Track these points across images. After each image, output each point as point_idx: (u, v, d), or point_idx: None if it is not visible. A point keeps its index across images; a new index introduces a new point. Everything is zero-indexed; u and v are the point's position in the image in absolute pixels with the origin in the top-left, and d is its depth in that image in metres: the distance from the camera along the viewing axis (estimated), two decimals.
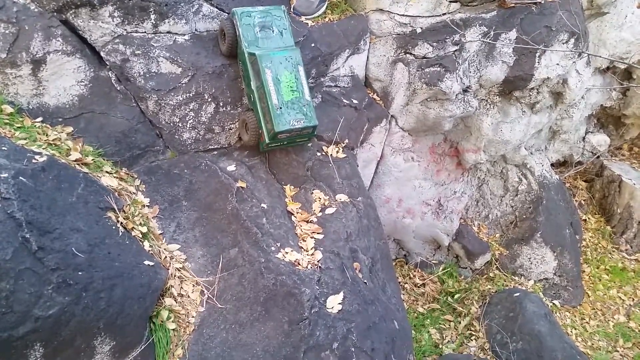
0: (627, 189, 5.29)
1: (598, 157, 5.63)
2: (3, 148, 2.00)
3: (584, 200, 5.72)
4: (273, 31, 2.85)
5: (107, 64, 2.64)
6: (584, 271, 5.09)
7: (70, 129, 2.56)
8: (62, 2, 2.45)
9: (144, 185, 2.71)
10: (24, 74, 2.44)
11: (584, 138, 5.55)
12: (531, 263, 4.75)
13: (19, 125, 2.37)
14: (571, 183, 5.78)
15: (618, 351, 4.40)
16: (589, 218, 5.60)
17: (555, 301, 4.74)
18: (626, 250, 5.32)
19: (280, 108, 2.69)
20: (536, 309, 4.14)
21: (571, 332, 4.51)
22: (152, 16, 2.67)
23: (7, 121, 2.34)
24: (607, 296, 4.93)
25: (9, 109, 2.41)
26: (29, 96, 2.50)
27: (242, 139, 2.97)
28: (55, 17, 2.47)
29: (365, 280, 2.72)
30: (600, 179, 5.67)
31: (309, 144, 3.09)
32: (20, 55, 2.40)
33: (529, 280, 4.75)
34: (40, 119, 2.51)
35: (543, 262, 4.74)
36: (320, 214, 2.87)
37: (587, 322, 4.67)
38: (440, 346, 4.13)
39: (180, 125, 2.84)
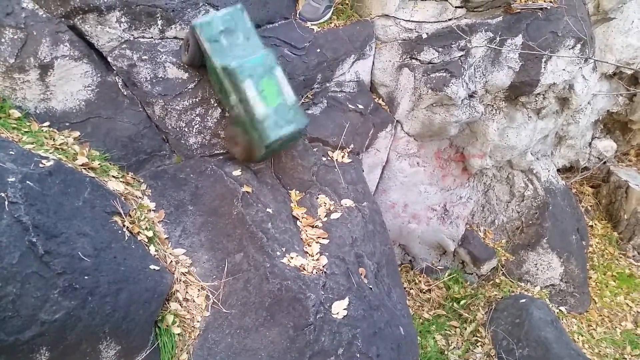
0: (634, 194, 5.26)
1: (604, 162, 5.60)
2: (10, 152, 2.02)
3: (590, 206, 5.69)
4: (239, 37, 2.65)
5: (114, 69, 2.66)
6: (591, 277, 5.06)
7: (77, 134, 2.58)
8: (69, 7, 2.46)
9: (150, 190, 2.72)
10: (31, 78, 2.45)
11: (590, 144, 5.53)
12: (537, 269, 4.73)
13: (26, 129, 2.38)
14: (577, 189, 5.75)
15: (626, 358, 4.37)
16: (595, 224, 5.57)
17: (561, 307, 4.71)
18: (633, 256, 5.28)
19: (269, 117, 2.58)
20: (542, 316, 4.12)
21: (578, 339, 4.47)
22: (159, 22, 2.68)
23: (15, 126, 2.36)
24: (614, 303, 4.89)
25: (16, 113, 2.43)
26: (36, 101, 2.52)
27: (233, 154, 2.86)
28: (63, 22, 2.49)
29: (370, 286, 2.71)
30: (607, 185, 5.65)
31: (315, 149, 3.07)
32: (28, 61, 2.42)
33: (535, 286, 4.73)
34: (47, 123, 2.52)
35: (549, 268, 4.72)
36: (325, 219, 2.87)
37: (594, 329, 4.64)
38: (446, 352, 4.10)
39: (187, 130, 2.84)
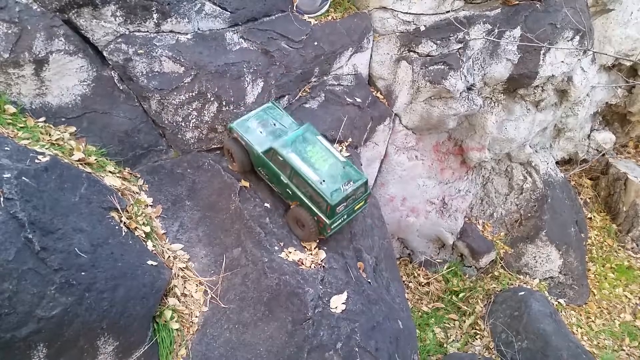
0: (632, 186, 5.26)
1: (603, 154, 5.60)
2: (6, 148, 2.00)
3: (589, 198, 5.69)
4: (274, 124, 2.81)
5: (110, 63, 2.64)
6: (590, 269, 5.07)
7: (73, 129, 2.56)
8: (64, 1, 2.44)
9: (147, 185, 2.71)
10: (26, 73, 2.43)
11: (589, 136, 5.52)
12: (536, 262, 4.73)
13: (21, 125, 2.36)
14: (576, 181, 5.75)
15: (624, 350, 4.38)
16: (594, 216, 5.57)
17: (560, 300, 4.72)
18: (632, 248, 5.29)
19: (324, 181, 2.54)
20: (541, 308, 4.13)
21: (577, 331, 4.49)
22: (155, 15, 2.66)
23: (10, 121, 2.34)
24: (613, 295, 4.90)
25: (11, 109, 2.41)
26: (31, 96, 2.50)
27: (300, 237, 2.73)
28: (57, 16, 2.46)
29: (369, 280, 2.71)
30: (606, 177, 5.64)
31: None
32: (23, 55, 2.39)
33: (534, 279, 4.73)
34: (43, 118, 2.50)
35: (548, 260, 4.72)
36: None
37: (592, 321, 4.65)
38: (445, 345, 4.11)
39: (183, 124, 2.83)
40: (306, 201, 2.59)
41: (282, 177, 2.64)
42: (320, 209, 2.54)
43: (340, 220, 2.63)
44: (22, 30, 2.37)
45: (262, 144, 2.70)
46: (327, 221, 2.54)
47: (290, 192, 2.65)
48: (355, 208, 2.70)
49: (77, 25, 2.53)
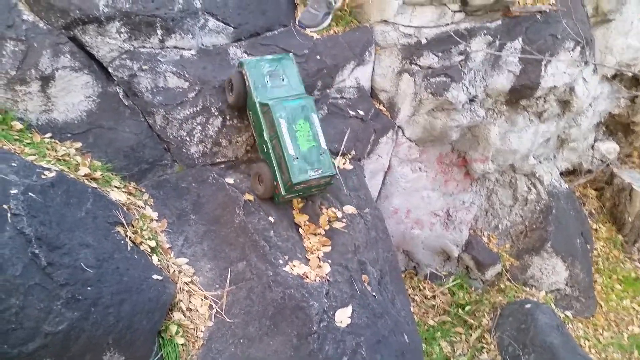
0: (638, 197, 5.25)
1: (608, 165, 5.59)
2: (12, 164, 2.02)
3: (594, 209, 5.67)
4: (283, 80, 2.79)
5: (115, 79, 2.67)
6: (596, 281, 5.03)
7: (79, 145, 2.58)
8: (70, 19, 2.47)
9: (152, 199, 2.72)
10: (33, 90, 2.46)
11: (592, 146, 5.52)
12: (542, 273, 4.70)
13: (28, 141, 2.39)
14: (581, 192, 5.73)
15: None
16: (599, 227, 5.55)
17: (567, 312, 4.68)
18: (639, 259, 5.26)
19: (297, 158, 2.60)
20: (548, 321, 4.10)
21: (584, 343, 4.45)
22: (159, 31, 2.69)
23: (17, 137, 2.37)
24: (621, 307, 4.86)
25: (18, 125, 2.43)
26: (38, 112, 2.52)
27: (256, 192, 2.85)
28: (63, 33, 2.50)
29: (374, 293, 2.70)
30: (611, 187, 5.63)
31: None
32: (30, 72, 2.42)
33: (540, 291, 4.70)
34: (49, 134, 2.53)
35: (554, 272, 4.69)
36: (327, 226, 2.86)
37: (600, 334, 4.61)
38: (451, 359, 4.08)
39: (188, 139, 2.85)
40: (274, 165, 2.67)
41: (264, 133, 2.69)
42: (282, 180, 2.65)
43: (294, 195, 2.76)
44: (28, 47, 2.40)
45: (261, 94, 2.70)
46: (283, 192, 2.67)
47: (264, 149, 2.73)
48: (313, 190, 2.80)
49: (83, 42, 2.57)
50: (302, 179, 2.61)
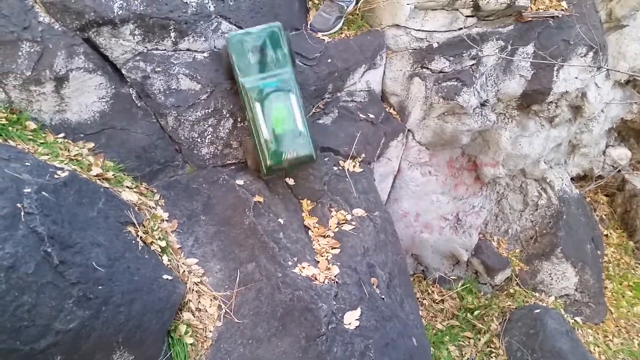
0: None
1: (619, 171, 5.54)
2: (26, 164, 2.05)
3: (605, 214, 5.62)
4: (267, 55, 2.73)
5: (128, 80, 2.69)
6: (607, 287, 4.99)
7: (91, 145, 2.61)
8: (85, 21, 2.50)
9: (163, 200, 2.74)
10: (47, 91, 2.49)
11: (604, 152, 5.48)
12: (552, 279, 4.67)
13: (41, 141, 2.41)
14: (592, 197, 5.69)
15: None
16: (610, 233, 5.50)
17: (576, 318, 4.65)
18: None
19: (272, 142, 2.65)
20: (557, 326, 4.07)
21: (594, 350, 4.40)
22: (172, 34, 2.72)
23: (31, 137, 2.40)
24: (631, 313, 4.82)
25: (32, 125, 2.46)
26: (51, 113, 2.55)
27: (247, 162, 2.96)
28: (78, 35, 2.53)
29: (382, 296, 2.70)
30: (622, 193, 5.58)
31: (326, 159, 3.07)
32: (44, 73, 2.45)
33: (549, 296, 4.67)
34: (62, 135, 2.55)
35: (564, 277, 4.66)
36: (337, 228, 2.87)
37: (610, 340, 4.56)
38: None
39: (199, 140, 2.87)
40: (257, 143, 2.72)
41: (247, 111, 2.73)
42: (263, 160, 2.71)
43: (275, 172, 2.82)
44: (44, 48, 2.43)
45: (243, 72, 2.68)
46: (264, 171, 2.75)
47: (250, 126, 2.76)
48: (295, 167, 2.87)
49: (97, 44, 2.60)
50: (276, 161, 2.68)
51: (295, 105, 2.72)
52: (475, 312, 4.41)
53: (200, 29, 2.79)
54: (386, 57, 3.57)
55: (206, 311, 2.43)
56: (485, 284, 4.68)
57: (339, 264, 2.67)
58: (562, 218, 4.66)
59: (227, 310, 2.46)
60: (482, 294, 4.63)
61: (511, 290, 4.64)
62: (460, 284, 4.61)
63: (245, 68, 2.70)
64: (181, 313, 2.33)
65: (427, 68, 3.54)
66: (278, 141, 2.67)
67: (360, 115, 3.38)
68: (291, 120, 2.70)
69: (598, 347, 4.45)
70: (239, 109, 2.90)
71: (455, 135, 3.75)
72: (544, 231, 4.73)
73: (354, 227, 2.86)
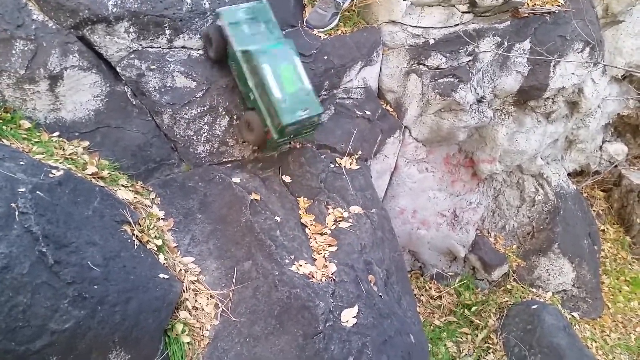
0: None
1: (616, 166, 5.55)
2: (21, 163, 2.03)
3: (602, 210, 5.64)
4: (261, 27, 2.78)
5: (123, 78, 2.68)
6: (604, 282, 5.00)
7: (86, 143, 2.59)
8: (79, 18, 2.49)
9: (159, 198, 2.73)
10: (41, 89, 2.48)
11: (601, 147, 5.48)
12: (549, 274, 4.68)
13: (36, 140, 2.40)
14: (589, 193, 5.70)
15: None
16: (607, 228, 5.52)
17: (574, 313, 4.66)
18: None
19: (285, 101, 2.63)
20: (555, 322, 4.08)
21: (591, 345, 4.42)
22: (167, 31, 2.70)
23: (25, 136, 2.38)
24: (628, 308, 4.83)
25: (26, 124, 2.45)
26: (46, 111, 2.54)
27: (246, 140, 2.92)
28: (72, 33, 2.51)
29: (380, 293, 2.70)
30: (619, 189, 5.59)
31: (323, 156, 3.06)
32: (38, 71, 2.44)
33: (547, 292, 4.68)
34: (57, 133, 2.54)
35: (561, 273, 4.67)
36: (334, 226, 2.86)
37: (607, 335, 4.58)
38: (457, 359, 4.07)
39: (195, 138, 2.86)
40: (263, 111, 2.69)
41: (249, 81, 2.69)
42: (273, 124, 2.67)
43: (286, 139, 2.80)
44: (37, 47, 2.42)
45: (241, 43, 2.69)
46: (275, 136, 2.70)
47: (251, 97, 2.73)
48: (303, 132, 2.85)
49: (91, 42, 2.58)
50: (292, 119, 2.64)
51: (300, 67, 2.74)
52: (473, 308, 4.42)
53: (195, 26, 2.78)
54: (382, 54, 3.56)
55: (203, 310, 2.43)
56: (483, 280, 4.69)
57: (336, 261, 2.67)
58: (559, 214, 4.67)
59: (224, 308, 2.45)
60: (479, 290, 4.64)
61: (508, 286, 4.65)
62: (457, 280, 4.62)
63: (243, 37, 2.72)
64: (178, 312, 2.33)
65: (424, 64, 3.53)
66: (290, 99, 2.65)
67: (357, 112, 3.38)
68: (299, 79, 2.71)
69: (595, 342, 4.46)
70: (235, 107, 2.89)
71: (452, 132, 3.75)
72: (541, 227, 4.73)
73: (351, 224, 2.86)
